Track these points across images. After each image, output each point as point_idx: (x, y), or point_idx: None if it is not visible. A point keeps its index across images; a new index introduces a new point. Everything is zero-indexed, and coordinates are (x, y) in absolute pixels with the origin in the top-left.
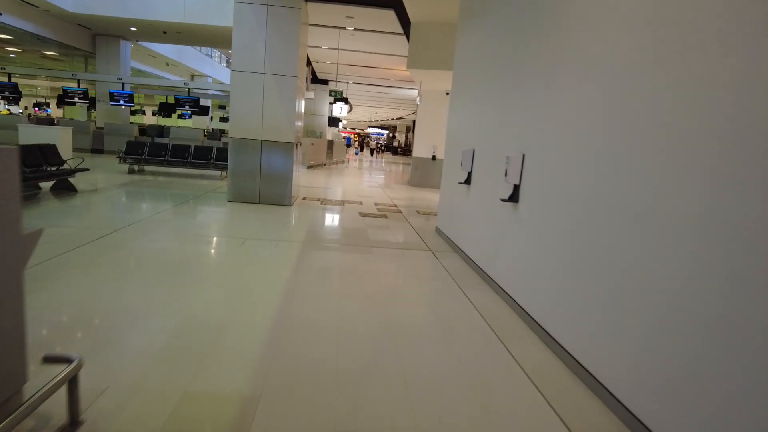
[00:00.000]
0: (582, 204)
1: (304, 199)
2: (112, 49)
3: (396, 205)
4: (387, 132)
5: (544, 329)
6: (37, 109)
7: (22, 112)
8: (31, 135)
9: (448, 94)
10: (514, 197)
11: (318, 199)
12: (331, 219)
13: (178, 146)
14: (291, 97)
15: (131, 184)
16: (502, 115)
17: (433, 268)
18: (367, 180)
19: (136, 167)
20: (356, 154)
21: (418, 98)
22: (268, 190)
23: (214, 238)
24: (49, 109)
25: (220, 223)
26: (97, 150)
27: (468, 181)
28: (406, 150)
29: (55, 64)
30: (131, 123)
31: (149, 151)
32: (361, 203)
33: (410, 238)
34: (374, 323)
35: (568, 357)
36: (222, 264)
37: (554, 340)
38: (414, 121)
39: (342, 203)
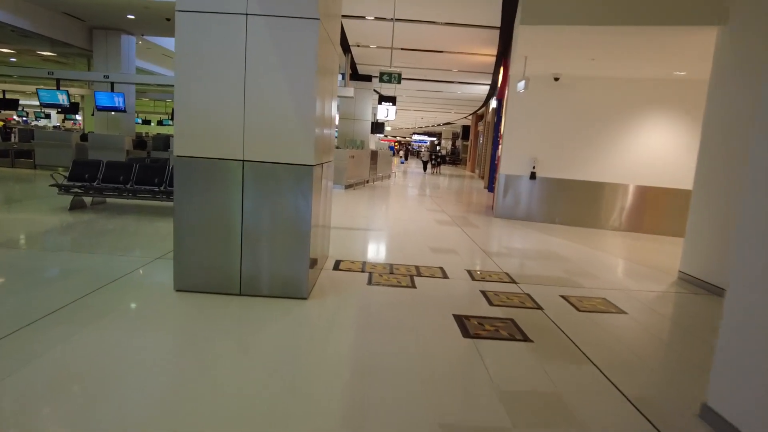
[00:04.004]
0: None
1: (337, 268)
2: (111, 45)
3: (510, 277)
4: (433, 139)
5: None
6: (79, 123)
7: (59, 126)
8: None
9: (557, 79)
10: None
11: (362, 265)
12: (396, 358)
13: (147, 167)
14: (306, 63)
15: (30, 242)
16: None
17: None
18: (429, 207)
19: (89, 200)
20: (401, 162)
21: (521, 83)
22: (259, 268)
23: None
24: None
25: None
26: None
27: None
28: (455, 159)
29: (58, 68)
30: (151, 133)
31: (105, 174)
32: (442, 272)
33: None
34: None
35: None
36: None
37: None
38: (465, 127)
39: (408, 276)
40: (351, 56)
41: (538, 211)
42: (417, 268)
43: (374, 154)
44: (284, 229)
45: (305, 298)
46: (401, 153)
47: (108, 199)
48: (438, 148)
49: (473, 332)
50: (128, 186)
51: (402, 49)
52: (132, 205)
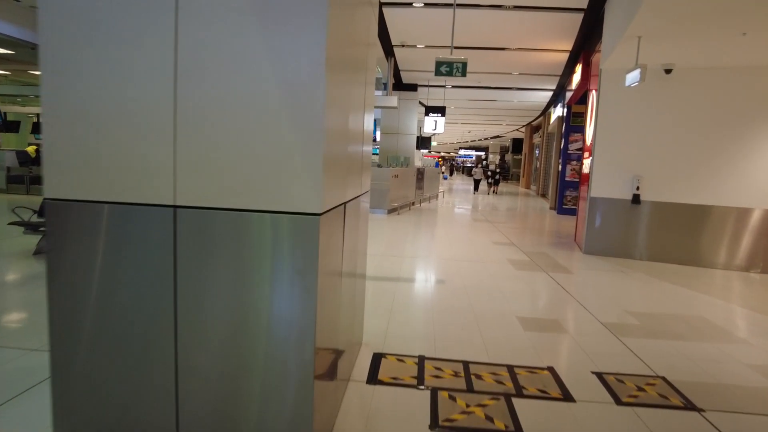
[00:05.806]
0: None
1: (374, 379)
2: None
3: (676, 390)
4: (481, 154)
5: None
6: None
7: None
8: None
9: (668, 72)
10: None
11: (416, 367)
12: None
13: None
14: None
15: None
16: None
17: None
18: (495, 238)
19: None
20: (445, 179)
21: (633, 74)
22: (213, 423)
23: None
24: None
25: None
26: None
27: None
28: (505, 173)
29: None
30: None
31: None
32: (555, 382)
33: None
34: None
35: None
36: None
37: None
38: (516, 140)
39: (502, 396)
40: (394, 61)
41: (643, 246)
42: (511, 371)
43: (420, 172)
44: (263, 344)
45: None
46: (443, 169)
47: None
48: (486, 162)
49: None
50: None
51: (456, 47)
52: None
